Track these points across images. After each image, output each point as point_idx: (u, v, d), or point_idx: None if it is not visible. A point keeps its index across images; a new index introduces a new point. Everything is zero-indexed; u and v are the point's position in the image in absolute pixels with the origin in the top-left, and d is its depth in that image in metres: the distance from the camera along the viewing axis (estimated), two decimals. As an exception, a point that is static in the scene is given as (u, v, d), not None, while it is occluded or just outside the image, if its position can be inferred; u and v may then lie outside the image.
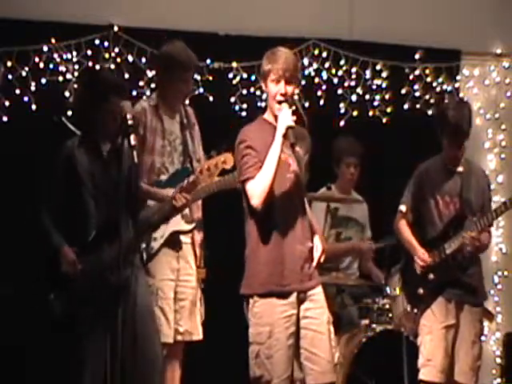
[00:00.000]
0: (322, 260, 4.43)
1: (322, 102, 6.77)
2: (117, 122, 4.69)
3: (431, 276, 5.15)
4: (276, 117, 4.39)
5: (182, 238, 5.10)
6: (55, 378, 5.25)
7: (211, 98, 6.55)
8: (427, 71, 7.00)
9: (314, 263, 4.40)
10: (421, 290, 5.18)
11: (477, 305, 5.21)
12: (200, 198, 5.13)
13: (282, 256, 4.37)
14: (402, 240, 5.31)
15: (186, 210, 5.04)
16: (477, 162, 5.73)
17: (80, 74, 6.20)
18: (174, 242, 5.06)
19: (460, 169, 5.21)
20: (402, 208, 5.29)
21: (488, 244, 5.31)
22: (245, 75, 6.61)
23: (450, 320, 5.10)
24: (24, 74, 6.21)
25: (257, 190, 4.27)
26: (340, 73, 6.84)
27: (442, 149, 5.23)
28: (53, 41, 6.24)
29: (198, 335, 5.17)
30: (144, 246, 4.96)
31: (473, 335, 5.13)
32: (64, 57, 6.27)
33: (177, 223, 5.11)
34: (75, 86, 6.16)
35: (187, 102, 6.32)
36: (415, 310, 5.21)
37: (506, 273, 7.14)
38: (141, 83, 6.31)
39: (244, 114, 6.61)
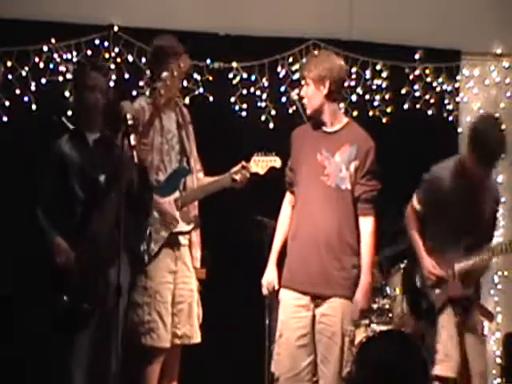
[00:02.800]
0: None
1: (322, 102, 6.75)
2: (100, 113, 4.74)
3: (437, 291, 5.03)
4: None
5: (180, 238, 5.07)
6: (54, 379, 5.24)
7: (211, 98, 6.54)
8: (427, 71, 6.99)
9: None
10: (424, 305, 5.14)
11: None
12: (198, 198, 5.12)
13: (300, 255, 4.46)
14: (412, 243, 5.10)
15: (184, 209, 5.04)
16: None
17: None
18: (172, 243, 5.03)
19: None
20: (417, 207, 5.07)
21: None
22: (245, 75, 6.59)
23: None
24: (24, 73, 6.21)
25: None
26: (340, 73, 6.83)
27: (463, 160, 4.94)
28: (53, 41, 6.24)
29: (197, 338, 5.06)
30: (144, 247, 4.94)
31: (480, 328, 5.10)
32: (64, 57, 6.27)
33: None
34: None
35: (187, 101, 6.35)
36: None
37: (505, 273, 7.11)
38: (141, 83, 6.30)
39: (244, 113, 6.61)
